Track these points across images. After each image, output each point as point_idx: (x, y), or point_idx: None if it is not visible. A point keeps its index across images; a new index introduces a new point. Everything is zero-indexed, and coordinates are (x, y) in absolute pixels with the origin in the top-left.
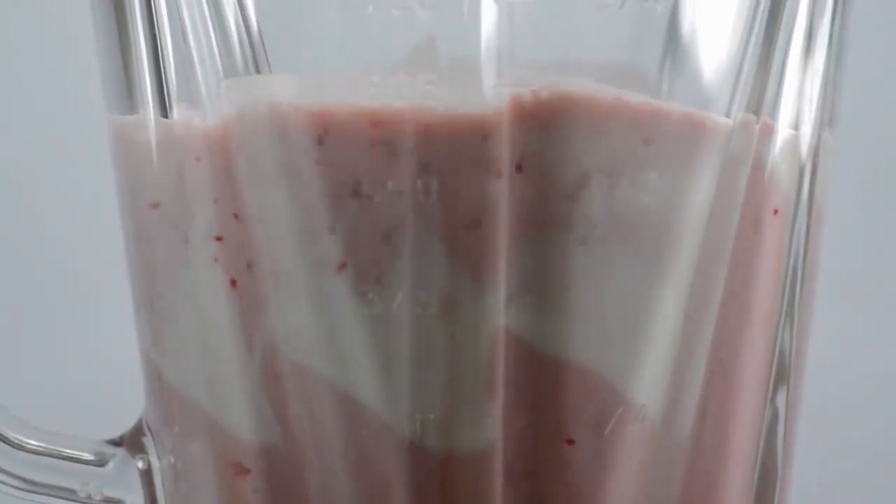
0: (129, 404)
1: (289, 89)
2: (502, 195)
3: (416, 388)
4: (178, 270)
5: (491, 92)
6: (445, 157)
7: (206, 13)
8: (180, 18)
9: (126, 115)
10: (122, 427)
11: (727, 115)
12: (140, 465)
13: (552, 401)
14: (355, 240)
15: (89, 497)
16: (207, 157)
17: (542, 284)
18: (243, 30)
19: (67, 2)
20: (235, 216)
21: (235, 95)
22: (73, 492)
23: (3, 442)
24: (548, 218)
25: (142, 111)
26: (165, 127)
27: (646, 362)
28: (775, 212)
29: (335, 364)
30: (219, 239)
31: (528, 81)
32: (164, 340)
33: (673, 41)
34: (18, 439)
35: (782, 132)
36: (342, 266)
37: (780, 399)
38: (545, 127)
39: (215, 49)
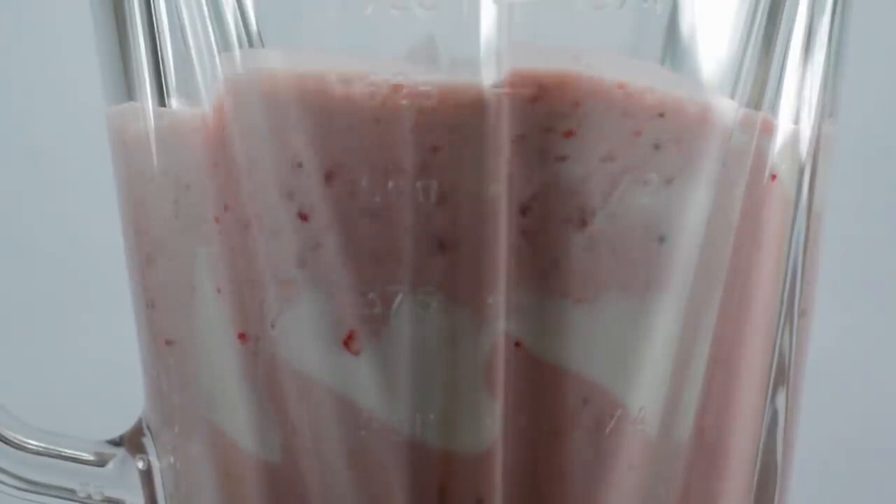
0: (129, 404)
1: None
2: (501, 196)
3: (417, 388)
4: (178, 290)
5: (490, 92)
6: (445, 158)
7: (206, 14)
8: (179, 19)
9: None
10: (122, 427)
11: (728, 114)
12: (140, 465)
13: (552, 402)
14: (355, 240)
15: (89, 497)
16: (204, 170)
17: (541, 289)
18: (242, 30)
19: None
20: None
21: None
22: (73, 492)
23: (3, 442)
24: (546, 218)
25: (140, 106)
26: (161, 117)
27: (645, 367)
28: (775, 211)
29: (335, 364)
30: (220, 253)
31: (528, 81)
32: (165, 354)
33: (672, 40)
34: (18, 439)
35: (783, 131)
36: (342, 267)
37: (780, 399)
38: (544, 127)
39: (215, 50)
